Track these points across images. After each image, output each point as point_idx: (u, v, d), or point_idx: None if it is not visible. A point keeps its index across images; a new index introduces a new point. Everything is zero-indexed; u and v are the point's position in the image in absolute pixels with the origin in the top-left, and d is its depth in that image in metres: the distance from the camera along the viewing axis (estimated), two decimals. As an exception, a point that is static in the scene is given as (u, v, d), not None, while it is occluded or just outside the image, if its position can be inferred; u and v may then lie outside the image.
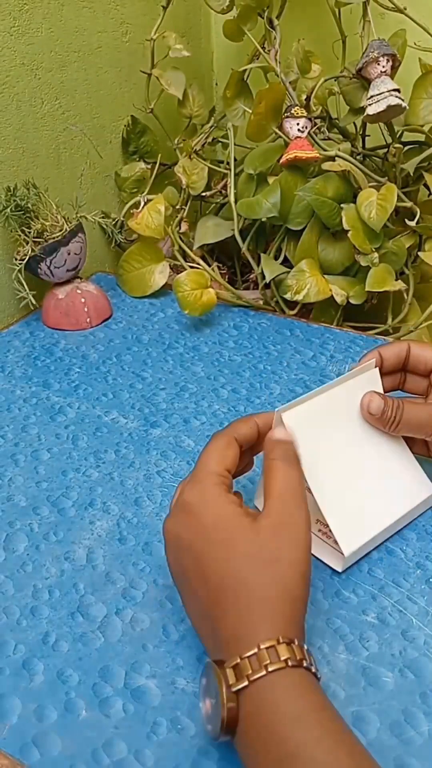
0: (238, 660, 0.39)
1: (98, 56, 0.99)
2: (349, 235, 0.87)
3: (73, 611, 0.53)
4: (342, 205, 0.89)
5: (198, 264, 0.95)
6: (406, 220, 0.92)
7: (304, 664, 0.39)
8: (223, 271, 1.08)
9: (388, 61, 0.88)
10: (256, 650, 0.39)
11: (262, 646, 0.39)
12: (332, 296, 0.90)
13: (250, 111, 0.94)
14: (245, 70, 0.99)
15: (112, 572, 0.56)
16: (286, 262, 0.95)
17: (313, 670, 0.40)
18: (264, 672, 0.38)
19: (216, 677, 0.39)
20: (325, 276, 0.92)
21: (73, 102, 0.96)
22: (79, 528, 0.60)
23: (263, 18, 0.96)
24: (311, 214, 0.92)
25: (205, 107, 1.07)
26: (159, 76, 1.02)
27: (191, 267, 0.93)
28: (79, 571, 0.56)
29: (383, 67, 0.88)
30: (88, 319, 0.92)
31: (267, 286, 0.94)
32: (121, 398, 0.77)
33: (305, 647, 0.40)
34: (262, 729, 0.37)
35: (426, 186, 0.94)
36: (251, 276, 1.07)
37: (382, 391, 0.58)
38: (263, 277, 0.91)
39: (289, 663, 0.39)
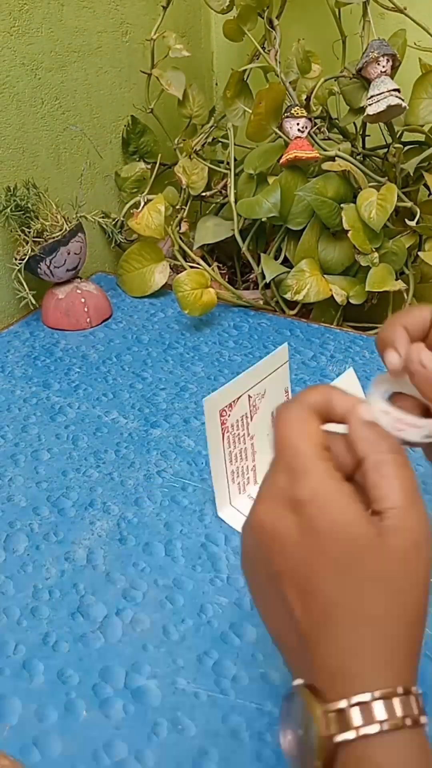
0: (345, 705, 0.32)
1: (98, 56, 0.99)
2: (349, 235, 0.87)
3: (73, 611, 0.52)
4: (342, 205, 0.89)
5: (198, 264, 0.95)
6: (406, 220, 0.92)
7: (422, 721, 0.32)
8: (223, 271, 1.08)
9: (388, 61, 0.88)
10: (370, 698, 0.31)
11: (377, 695, 0.32)
12: (332, 296, 0.90)
13: (250, 111, 0.94)
14: (245, 70, 0.99)
15: (113, 572, 0.56)
16: (286, 262, 0.95)
17: (425, 720, 0.33)
18: (378, 729, 0.31)
19: (311, 714, 0.32)
20: (325, 276, 0.92)
21: (73, 102, 0.96)
22: (79, 528, 0.60)
23: (263, 18, 0.96)
24: (311, 214, 0.92)
25: (205, 107, 1.07)
26: (159, 76, 1.02)
27: (191, 267, 0.93)
28: (80, 572, 0.56)
29: (383, 67, 0.88)
30: (88, 319, 0.92)
31: (267, 286, 0.94)
32: (121, 398, 0.77)
33: (420, 691, 0.33)
34: None
35: (426, 186, 0.94)
36: (251, 276, 1.07)
37: (361, 392, 0.55)
38: (263, 277, 0.91)
39: (407, 723, 0.31)
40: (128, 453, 0.69)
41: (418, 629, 0.34)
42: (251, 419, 0.57)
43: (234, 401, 0.53)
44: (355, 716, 0.31)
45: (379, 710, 0.31)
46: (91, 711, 0.46)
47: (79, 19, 0.94)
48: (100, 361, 0.85)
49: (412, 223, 0.91)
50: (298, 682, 0.35)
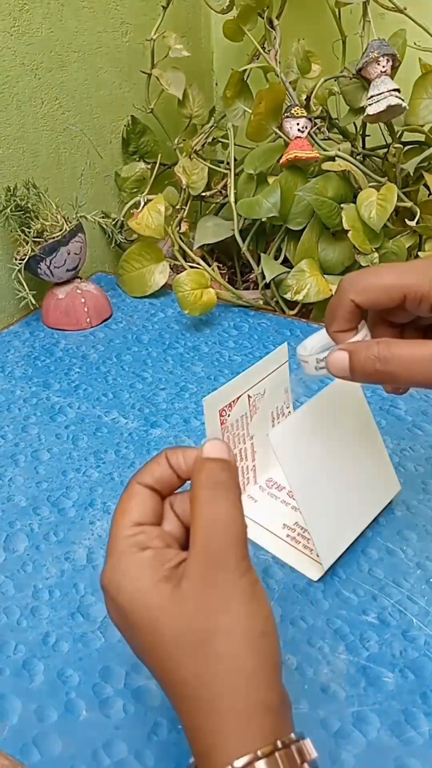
0: None
1: (98, 56, 0.99)
2: (349, 235, 0.87)
3: (73, 611, 0.53)
4: (342, 205, 0.89)
5: (198, 264, 0.95)
6: (406, 220, 0.92)
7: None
8: (223, 271, 1.08)
9: (388, 61, 0.88)
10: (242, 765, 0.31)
11: (239, 764, 0.31)
12: (332, 296, 0.90)
13: (250, 111, 0.94)
14: (245, 70, 0.99)
15: (113, 572, 0.56)
16: (286, 262, 0.95)
17: (308, 759, 0.32)
18: None
19: None
20: (325, 276, 0.92)
21: (73, 102, 0.96)
22: (79, 528, 0.60)
23: (263, 18, 0.96)
24: (311, 214, 0.92)
25: (205, 107, 1.07)
26: (159, 76, 1.02)
27: (191, 267, 0.93)
28: (80, 572, 0.56)
29: (383, 67, 0.88)
30: (88, 319, 0.92)
31: (267, 286, 0.94)
32: (121, 398, 0.77)
33: (279, 746, 0.31)
34: None
35: (426, 186, 0.94)
36: (251, 276, 1.07)
37: (360, 391, 0.56)
38: (263, 277, 0.91)
39: None
40: (128, 453, 0.69)
41: (250, 663, 0.33)
42: (251, 419, 0.57)
43: (234, 401, 0.53)
44: None
45: None
46: (91, 711, 0.46)
47: (79, 19, 0.94)
48: (100, 361, 0.85)
49: (412, 223, 0.91)
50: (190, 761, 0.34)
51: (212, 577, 0.34)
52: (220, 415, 0.52)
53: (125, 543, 0.36)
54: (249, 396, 0.55)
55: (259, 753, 0.31)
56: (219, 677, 0.32)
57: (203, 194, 1.04)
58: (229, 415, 0.53)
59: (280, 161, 0.91)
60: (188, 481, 0.39)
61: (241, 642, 0.33)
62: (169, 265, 0.99)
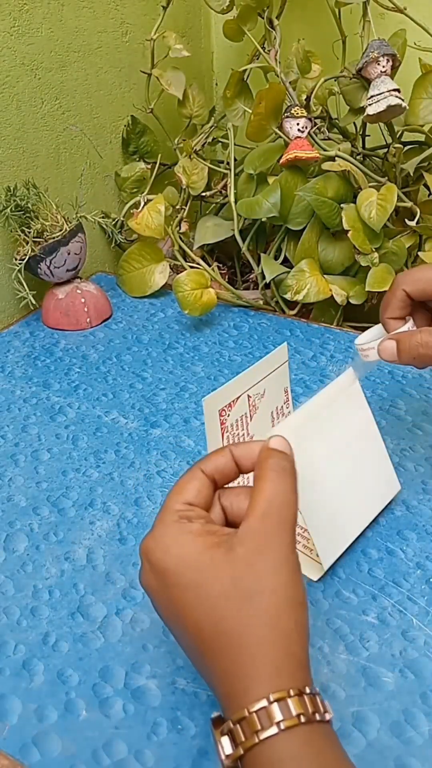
0: (231, 726, 0.35)
1: (98, 56, 0.99)
2: (349, 235, 0.87)
3: (73, 611, 0.52)
4: (342, 205, 0.89)
5: (198, 264, 0.95)
6: (406, 220, 0.92)
7: (302, 720, 0.34)
8: (223, 271, 1.08)
9: (388, 61, 0.88)
10: (246, 713, 0.34)
11: (252, 709, 0.34)
12: (332, 296, 0.90)
13: (250, 111, 0.94)
14: (245, 70, 0.99)
15: (112, 572, 0.56)
16: (286, 262, 0.95)
17: (318, 718, 0.35)
18: (256, 740, 0.34)
19: (216, 744, 0.36)
20: (325, 276, 0.92)
21: (73, 102, 0.96)
22: (79, 528, 0.60)
23: (263, 18, 0.96)
24: (311, 214, 0.92)
25: (205, 107, 1.07)
26: (159, 76, 1.02)
27: (191, 267, 0.93)
28: (80, 572, 0.56)
29: (383, 67, 0.88)
30: (88, 319, 0.92)
31: (267, 286, 0.94)
32: (121, 398, 0.77)
33: (307, 692, 0.35)
34: None
35: (426, 186, 0.94)
36: (251, 276, 1.07)
37: (360, 391, 0.57)
38: (263, 277, 0.91)
39: (282, 726, 0.33)
40: (128, 453, 0.69)
41: (288, 623, 0.36)
42: (251, 419, 0.57)
43: (233, 401, 0.53)
44: (238, 733, 0.34)
45: (253, 723, 0.34)
46: (90, 711, 0.46)
47: (79, 19, 0.94)
48: (100, 361, 0.85)
49: (412, 223, 0.91)
50: (213, 715, 0.38)
51: (267, 546, 0.37)
52: (220, 415, 0.52)
53: (175, 515, 0.40)
54: (249, 396, 0.55)
55: (291, 692, 0.34)
56: (261, 629, 0.36)
57: (203, 194, 1.04)
58: (228, 415, 0.53)
59: (280, 161, 0.91)
60: (242, 476, 0.43)
61: (283, 604, 0.37)
62: (169, 265, 0.99)
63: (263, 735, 0.33)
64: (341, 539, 0.55)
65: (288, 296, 0.91)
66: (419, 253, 0.93)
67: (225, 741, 0.35)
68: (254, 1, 0.94)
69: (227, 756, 0.35)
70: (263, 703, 0.34)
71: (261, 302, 0.97)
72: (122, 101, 1.06)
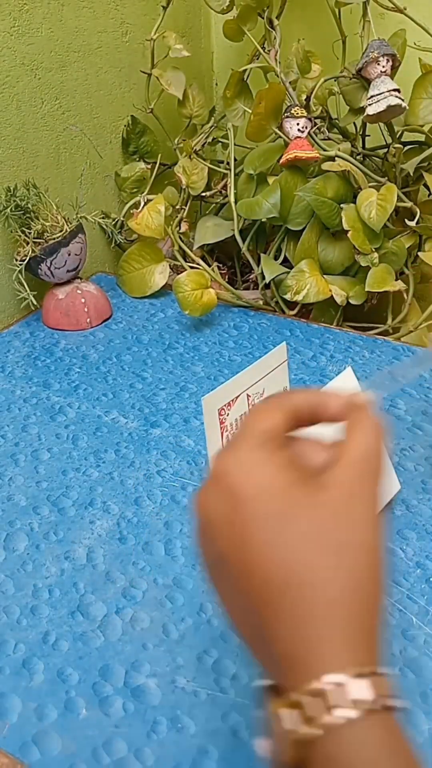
0: (300, 697, 0.29)
1: (98, 56, 0.99)
2: (349, 235, 0.87)
3: (73, 610, 0.53)
4: (342, 205, 0.89)
5: (198, 264, 0.95)
6: (406, 220, 0.92)
7: (388, 703, 0.29)
8: (223, 272, 1.08)
9: (388, 61, 0.88)
10: (325, 685, 0.28)
11: (334, 680, 0.28)
12: (332, 296, 0.90)
13: (250, 111, 0.94)
14: (245, 70, 0.99)
15: (112, 571, 0.56)
16: (286, 262, 0.95)
17: (397, 704, 0.30)
18: (334, 719, 0.28)
19: (272, 713, 0.30)
20: (325, 276, 0.92)
21: (73, 102, 0.96)
22: (79, 527, 0.60)
23: (263, 18, 0.96)
24: (311, 214, 0.92)
25: (205, 107, 1.07)
26: (159, 76, 1.02)
27: (191, 267, 0.93)
28: (79, 571, 0.56)
29: (383, 67, 0.88)
30: (88, 320, 0.92)
31: (267, 286, 0.94)
32: (121, 398, 0.77)
33: (384, 672, 0.30)
34: None
35: (426, 186, 0.94)
36: (251, 276, 1.07)
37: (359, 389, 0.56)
38: (263, 278, 0.92)
39: (368, 707, 0.28)
40: (128, 453, 0.69)
41: (373, 588, 0.32)
42: None
43: (232, 400, 0.53)
44: (312, 707, 0.29)
45: (336, 697, 0.28)
46: (90, 709, 0.46)
47: (79, 19, 0.94)
48: (100, 361, 0.85)
49: (412, 223, 0.91)
50: (260, 682, 0.33)
51: (356, 496, 0.33)
52: (219, 414, 0.52)
53: (258, 439, 0.34)
54: (248, 395, 0.55)
55: (378, 670, 0.30)
56: (344, 587, 0.31)
57: (203, 194, 1.04)
58: (228, 415, 0.53)
59: (280, 161, 0.91)
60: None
61: (370, 564, 0.32)
62: (169, 266, 0.99)
63: (343, 713, 0.28)
64: None
65: (288, 296, 0.91)
66: (419, 253, 0.93)
67: (287, 714, 0.29)
68: (254, 1, 0.94)
69: (289, 731, 0.29)
70: (341, 677, 0.29)
71: (261, 302, 0.97)
72: (122, 101, 1.06)
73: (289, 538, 0.31)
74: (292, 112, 0.91)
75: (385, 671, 0.30)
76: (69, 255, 0.88)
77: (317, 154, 0.90)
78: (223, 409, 0.52)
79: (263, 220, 0.92)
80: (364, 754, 0.28)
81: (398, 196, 0.89)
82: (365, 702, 0.28)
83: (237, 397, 0.53)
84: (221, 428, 0.53)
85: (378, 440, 0.35)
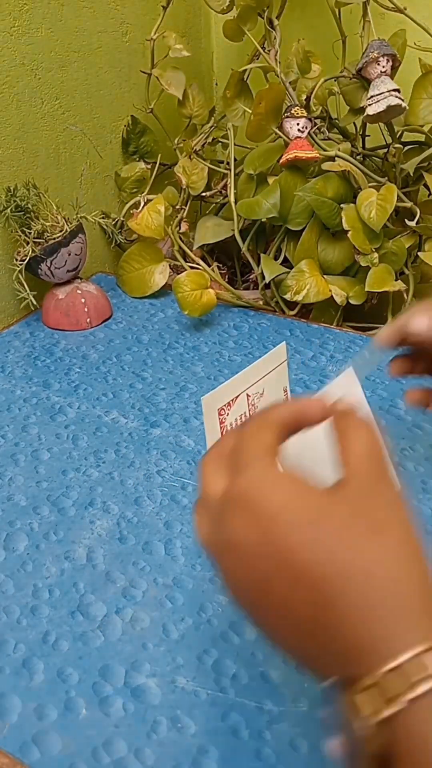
0: (377, 678, 0.28)
1: (98, 56, 0.99)
2: (349, 235, 0.87)
3: (73, 610, 0.53)
4: (342, 205, 0.89)
5: (198, 264, 0.95)
6: (406, 220, 0.92)
7: None
8: (223, 272, 1.08)
9: (388, 61, 0.88)
10: (403, 660, 0.28)
11: (411, 654, 0.28)
12: (332, 296, 0.90)
13: (250, 111, 0.94)
14: (245, 70, 0.99)
15: (112, 571, 0.56)
16: (286, 263, 0.95)
17: None
18: (421, 690, 0.28)
19: (347, 704, 0.29)
20: (325, 276, 0.92)
21: (73, 102, 0.96)
22: (79, 527, 0.60)
23: (263, 18, 0.96)
24: (311, 214, 0.92)
25: (205, 107, 1.07)
26: (159, 76, 1.02)
27: (191, 267, 0.93)
28: (79, 571, 0.56)
29: (383, 67, 0.88)
30: (88, 320, 0.92)
31: (267, 286, 0.94)
32: (121, 398, 0.77)
33: None
34: None
35: (426, 186, 0.94)
36: (251, 276, 1.07)
37: (361, 391, 0.56)
38: (263, 278, 0.92)
39: None
40: (128, 453, 0.69)
41: (424, 564, 0.32)
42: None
43: (232, 400, 0.53)
44: (392, 685, 0.28)
45: (415, 669, 0.28)
46: (90, 709, 0.46)
47: (79, 19, 0.94)
48: (100, 361, 0.85)
49: (412, 224, 0.91)
50: (325, 683, 0.31)
51: (378, 483, 0.34)
52: (219, 414, 0.52)
53: (269, 461, 0.35)
54: (248, 395, 0.55)
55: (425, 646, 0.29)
56: (399, 564, 0.31)
57: (203, 194, 1.04)
58: (228, 414, 0.53)
59: (280, 161, 0.91)
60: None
61: (414, 536, 0.32)
62: (169, 266, 0.99)
63: (423, 687, 0.28)
64: None
65: (288, 296, 0.91)
66: (419, 253, 0.93)
67: (364, 699, 0.29)
68: (254, 1, 0.94)
69: (367, 716, 0.28)
70: (421, 647, 0.28)
71: (261, 302, 0.97)
72: (122, 101, 1.06)
73: (327, 536, 0.31)
74: (292, 112, 0.91)
75: None
76: (69, 255, 0.88)
77: (317, 154, 0.90)
78: (223, 409, 0.52)
79: (263, 220, 0.92)
80: None
81: (398, 196, 0.89)
82: None
83: (237, 397, 0.53)
84: (221, 428, 0.53)
85: (374, 437, 0.36)
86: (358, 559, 0.31)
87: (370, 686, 0.29)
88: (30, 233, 0.85)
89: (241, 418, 0.55)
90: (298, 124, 0.90)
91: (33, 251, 0.86)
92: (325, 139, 0.99)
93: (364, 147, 1.03)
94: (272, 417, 0.37)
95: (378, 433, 0.36)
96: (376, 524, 0.32)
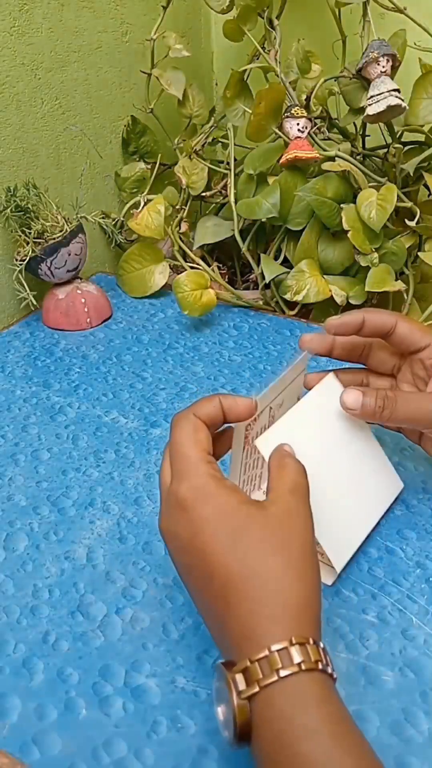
0: (248, 663, 0.37)
1: (98, 56, 0.99)
2: (349, 235, 0.87)
3: (73, 610, 0.53)
4: (342, 205, 0.89)
5: (198, 264, 0.95)
6: (406, 220, 0.92)
7: (320, 667, 0.37)
8: (223, 272, 1.08)
9: (388, 61, 0.88)
10: (267, 653, 0.36)
11: (273, 648, 0.36)
12: (332, 296, 0.90)
13: (250, 111, 0.94)
14: (245, 70, 0.99)
15: (112, 571, 0.56)
16: (286, 263, 0.95)
17: (329, 671, 0.37)
18: (275, 677, 0.36)
19: (226, 682, 0.37)
20: (325, 276, 0.92)
21: (73, 102, 0.97)
22: (79, 527, 0.60)
23: (263, 18, 0.96)
24: (311, 214, 0.92)
25: (205, 107, 1.07)
26: (159, 76, 1.02)
27: (191, 267, 0.93)
28: (79, 571, 0.56)
29: (383, 67, 0.88)
30: (88, 320, 0.92)
31: (267, 286, 0.94)
32: (121, 398, 0.77)
33: (321, 645, 0.38)
34: (275, 739, 0.35)
35: (426, 186, 0.94)
36: (251, 276, 1.07)
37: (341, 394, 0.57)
38: (263, 278, 0.92)
39: (303, 667, 0.36)
40: (128, 453, 0.69)
41: (310, 582, 0.40)
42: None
43: (258, 415, 0.52)
44: (256, 671, 0.36)
45: (274, 661, 0.36)
46: (90, 709, 0.46)
47: (79, 19, 0.94)
48: (100, 361, 0.85)
49: (412, 224, 0.91)
50: (218, 662, 0.39)
51: (296, 511, 0.42)
52: (245, 430, 0.51)
53: (207, 468, 0.43)
54: (270, 408, 0.54)
55: (310, 640, 0.37)
56: (290, 577, 0.39)
57: (203, 194, 1.04)
58: (252, 429, 0.52)
59: (280, 161, 0.91)
60: (227, 425, 0.48)
61: (309, 560, 0.40)
62: (169, 266, 0.99)
63: (283, 673, 0.36)
64: (349, 540, 0.55)
65: (288, 296, 0.91)
66: (419, 253, 0.93)
67: (239, 678, 0.37)
68: (254, 1, 0.94)
69: (240, 692, 0.36)
70: (285, 643, 0.36)
71: (261, 302, 0.97)
72: (122, 101, 1.06)
73: (244, 545, 0.40)
74: (292, 112, 0.91)
75: (322, 644, 0.38)
76: (69, 255, 0.88)
77: (317, 154, 0.90)
78: (250, 424, 0.51)
79: (263, 220, 0.92)
80: (301, 711, 0.35)
81: (398, 196, 0.89)
82: (303, 662, 0.36)
83: (261, 412, 0.52)
84: (245, 443, 0.52)
85: (301, 478, 0.44)
86: (263, 570, 0.39)
87: (244, 669, 0.37)
88: (30, 233, 0.85)
89: (261, 430, 0.54)
90: (298, 124, 0.90)
91: (33, 251, 0.86)
92: (325, 139, 0.99)
93: (364, 147, 1.03)
94: (200, 413, 0.46)
95: (305, 477, 0.45)
96: (282, 543, 0.40)
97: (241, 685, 0.36)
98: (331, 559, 0.52)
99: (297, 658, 0.36)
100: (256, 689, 0.36)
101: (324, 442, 0.54)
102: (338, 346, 0.58)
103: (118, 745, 0.44)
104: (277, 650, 0.36)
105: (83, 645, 0.50)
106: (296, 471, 0.45)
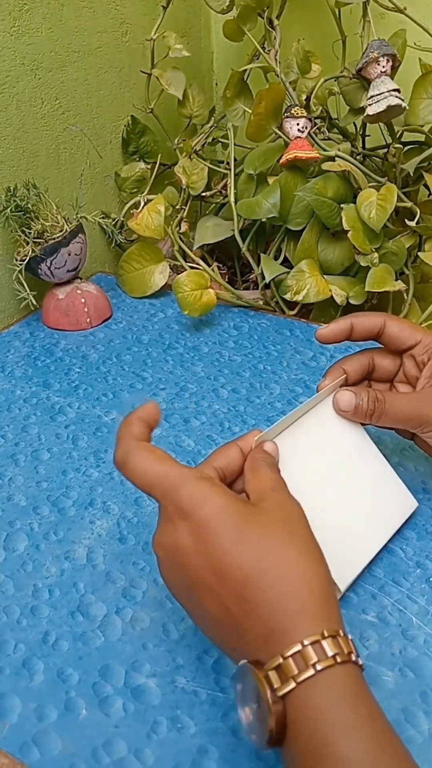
0: (281, 660, 0.35)
1: (98, 56, 0.99)
2: (349, 235, 0.87)
3: (73, 610, 0.53)
4: (342, 205, 0.89)
5: (198, 264, 0.95)
6: (406, 220, 0.92)
7: (353, 658, 0.36)
8: (223, 272, 1.08)
9: (388, 61, 0.88)
10: (300, 647, 0.35)
11: (306, 642, 0.35)
12: (332, 296, 0.90)
13: (250, 111, 0.94)
14: (245, 70, 0.99)
15: (112, 571, 0.56)
16: (286, 263, 0.95)
17: (360, 662, 0.37)
18: (312, 672, 0.35)
19: (257, 680, 0.36)
20: (325, 276, 0.92)
21: (73, 102, 0.96)
22: (79, 527, 0.60)
23: (263, 18, 0.96)
24: (311, 214, 0.92)
25: (205, 107, 1.07)
26: (159, 76, 1.02)
27: (191, 267, 0.93)
28: (79, 571, 0.56)
29: (383, 67, 0.88)
30: (88, 320, 0.92)
31: (267, 286, 0.94)
32: (121, 398, 0.77)
33: (349, 636, 0.37)
34: (311, 737, 0.34)
35: (426, 186, 0.94)
36: (251, 276, 1.07)
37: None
38: (263, 278, 0.92)
39: (338, 659, 0.35)
40: (128, 452, 0.69)
41: (325, 569, 0.39)
42: None
43: (278, 434, 0.52)
44: (290, 667, 0.35)
45: (308, 655, 0.35)
46: (90, 709, 0.46)
47: (79, 19, 0.94)
48: (100, 361, 0.85)
49: (412, 223, 0.91)
50: (242, 662, 0.38)
51: (285, 504, 0.42)
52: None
53: (197, 473, 0.42)
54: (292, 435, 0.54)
55: (339, 632, 0.37)
56: (306, 564, 0.38)
57: (203, 194, 1.04)
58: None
59: (280, 161, 0.91)
60: None
61: (318, 548, 0.40)
62: (169, 266, 0.99)
63: (320, 666, 0.35)
64: (355, 560, 0.53)
65: (288, 296, 0.91)
66: (419, 253, 0.93)
67: (273, 675, 0.35)
68: (254, 1, 0.94)
69: (274, 690, 0.35)
70: (317, 636, 0.36)
71: (261, 302, 0.97)
72: (122, 101, 1.06)
73: (249, 540, 0.38)
74: (292, 112, 0.91)
75: (341, 633, 0.37)
76: (69, 255, 0.88)
77: (317, 154, 0.90)
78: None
79: (263, 220, 0.92)
80: (339, 706, 0.34)
81: (398, 196, 0.89)
82: (335, 654, 0.35)
83: (282, 432, 0.52)
84: None
85: (278, 477, 0.44)
86: (276, 561, 0.38)
87: (276, 666, 0.35)
88: (30, 233, 0.85)
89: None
90: (298, 124, 0.91)
91: (33, 251, 0.86)
92: (325, 139, 0.99)
93: (364, 147, 1.03)
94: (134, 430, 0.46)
95: (279, 472, 0.45)
96: (288, 532, 0.39)
97: (276, 683, 0.35)
98: (335, 579, 0.51)
99: (330, 651, 0.35)
100: (293, 685, 0.35)
101: (329, 457, 0.54)
102: (356, 330, 0.56)
103: (118, 745, 0.44)
104: (311, 644, 0.35)
105: (83, 645, 0.50)
106: (271, 468, 0.45)
